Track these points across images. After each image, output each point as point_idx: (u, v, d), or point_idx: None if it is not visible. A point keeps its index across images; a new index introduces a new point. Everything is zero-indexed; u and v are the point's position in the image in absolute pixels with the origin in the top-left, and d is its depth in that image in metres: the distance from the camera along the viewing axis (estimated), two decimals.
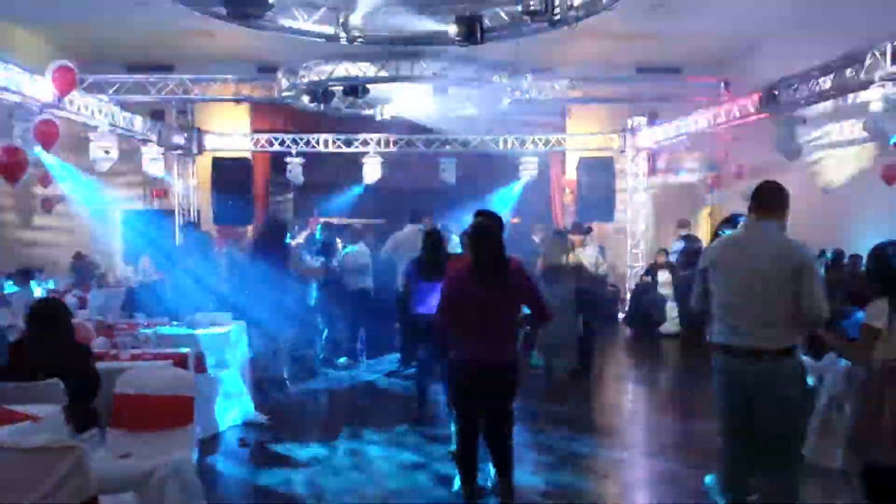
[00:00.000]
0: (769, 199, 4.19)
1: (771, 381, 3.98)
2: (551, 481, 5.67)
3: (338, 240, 10.95)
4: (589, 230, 10.18)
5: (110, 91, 12.03)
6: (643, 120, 14.42)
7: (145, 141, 12.70)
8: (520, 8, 8.16)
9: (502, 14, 8.85)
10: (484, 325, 4.60)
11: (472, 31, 8.29)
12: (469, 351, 4.65)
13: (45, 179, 11.49)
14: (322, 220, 14.61)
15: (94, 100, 10.78)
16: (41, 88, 8.90)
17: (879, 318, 3.96)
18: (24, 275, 10.08)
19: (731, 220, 5.46)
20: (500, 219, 4.89)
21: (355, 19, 8.53)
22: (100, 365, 5.16)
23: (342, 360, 10.07)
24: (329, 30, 9.27)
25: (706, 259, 4.29)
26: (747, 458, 4.21)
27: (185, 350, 6.13)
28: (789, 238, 4.15)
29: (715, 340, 4.20)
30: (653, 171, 14.85)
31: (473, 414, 4.76)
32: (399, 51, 9.83)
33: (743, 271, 4.07)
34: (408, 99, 12.30)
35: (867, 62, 7.95)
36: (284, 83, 11.19)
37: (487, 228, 4.64)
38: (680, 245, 12.27)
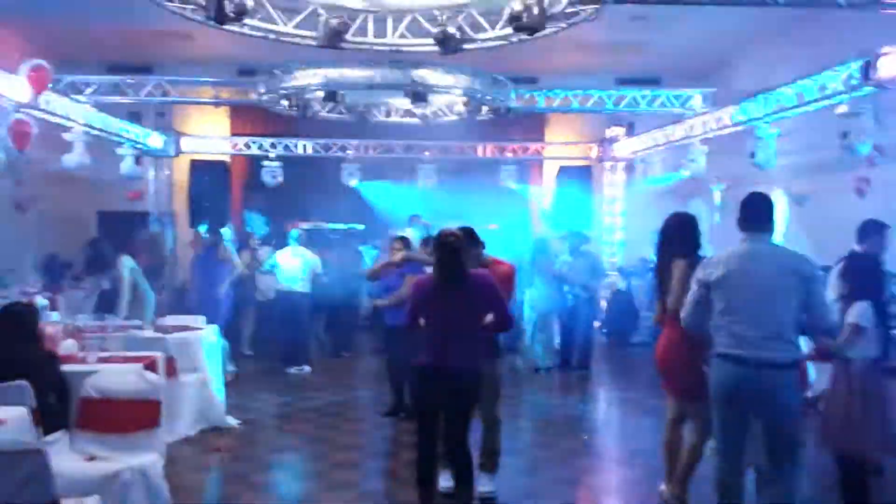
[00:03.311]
0: (759, 212, 4.24)
1: (777, 391, 4.04)
2: (518, 487, 5.70)
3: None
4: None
5: (87, 92, 11.90)
6: (622, 130, 14.54)
7: (122, 142, 12.59)
8: (501, 18, 8.19)
9: (483, 23, 8.84)
10: (445, 332, 4.66)
11: (452, 40, 8.28)
12: (429, 356, 4.69)
13: (19, 181, 11.32)
14: (301, 224, 14.63)
15: (70, 100, 10.68)
16: (16, 88, 8.81)
17: (864, 318, 4.38)
18: None
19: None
20: (470, 232, 5.14)
21: (337, 25, 8.49)
22: (68, 368, 5.12)
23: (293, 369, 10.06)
24: (310, 34, 9.22)
25: (708, 273, 4.25)
26: (741, 464, 4.26)
27: (155, 353, 6.07)
28: (791, 250, 4.23)
29: (720, 351, 4.19)
30: (631, 180, 14.95)
31: (431, 417, 4.77)
32: (379, 58, 9.81)
33: (752, 284, 4.08)
34: (389, 105, 12.30)
35: (840, 75, 8.06)
36: (263, 87, 11.13)
37: (448, 242, 4.69)
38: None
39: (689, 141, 11.73)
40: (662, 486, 5.22)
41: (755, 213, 4.23)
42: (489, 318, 4.72)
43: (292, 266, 10.25)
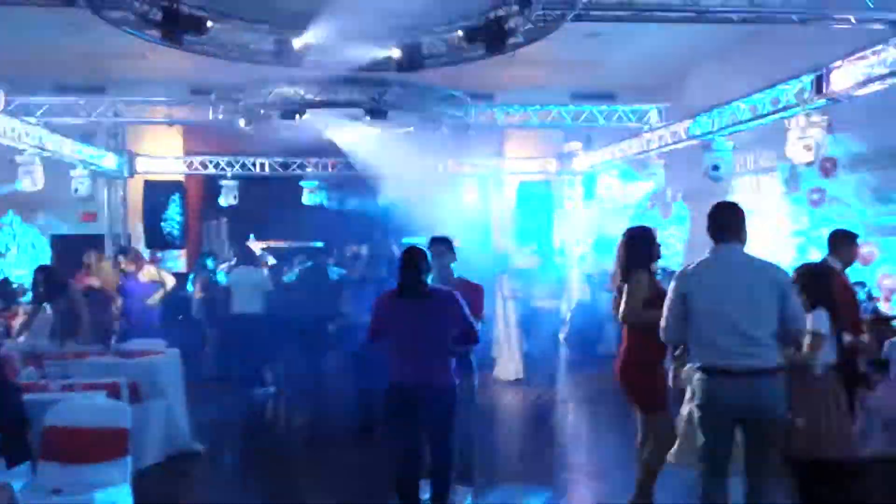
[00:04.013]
0: (730, 221, 4.25)
1: (766, 398, 4.05)
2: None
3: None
4: None
5: (38, 113, 11.66)
6: (579, 145, 14.70)
7: (75, 164, 12.35)
8: (458, 35, 8.26)
9: (441, 41, 8.90)
10: (411, 347, 4.67)
11: (411, 57, 8.33)
12: (398, 374, 4.69)
13: None
14: (259, 244, 14.48)
15: (20, 122, 10.44)
16: None
17: (824, 325, 4.47)
18: None
19: None
20: (449, 242, 5.35)
21: (296, 44, 8.46)
22: (29, 396, 4.98)
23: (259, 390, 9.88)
24: (267, 54, 9.17)
25: (683, 285, 4.22)
26: (727, 478, 4.24)
27: (118, 379, 5.93)
28: (763, 259, 4.26)
29: (703, 364, 4.14)
30: (590, 193, 15.09)
31: (408, 435, 4.75)
32: (338, 76, 9.80)
33: (732, 293, 4.07)
34: (345, 127, 12.25)
35: (793, 89, 8.26)
36: (218, 106, 11.03)
37: (408, 257, 4.74)
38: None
39: (645, 155, 11.89)
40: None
41: (724, 222, 4.25)
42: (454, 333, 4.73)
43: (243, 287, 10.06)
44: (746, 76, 9.78)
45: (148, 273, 9.85)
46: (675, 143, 11.03)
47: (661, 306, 4.35)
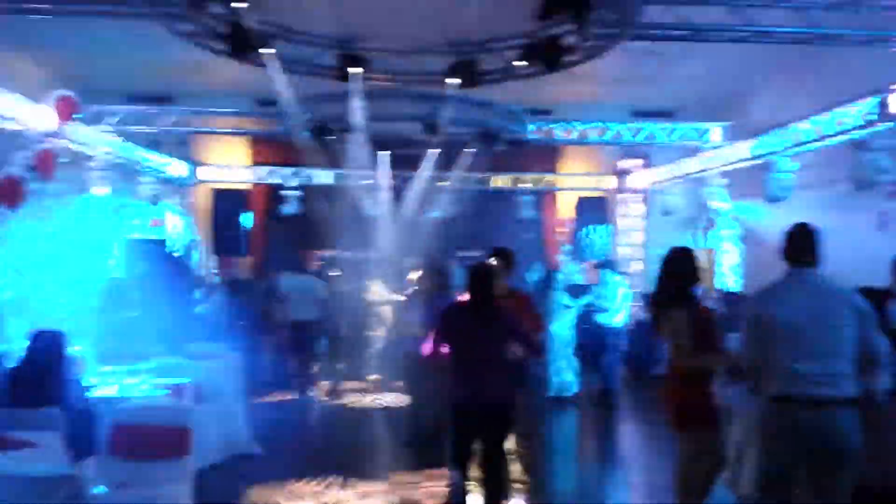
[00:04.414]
0: (805, 245, 4.12)
1: (842, 430, 3.88)
2: None
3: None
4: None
5: (110, 121, 12.12)
6: (638, 162, 14.63)
7: (143, 172, 12.77)
8: (514, 52, 8.36)
9: (497, 58, 9.03)
10: (476, 363, 4.76)
11: (467, 73, 8.45)
12: (462, 387, 4.78)
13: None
14: (321, 252, 14.74)
15: (93, 130, 10.86)
16: (42, 117, 8.98)
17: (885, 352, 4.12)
18: None
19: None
20: (510, 255, 5.55)
21: (356, 59, 8.68)
22: (97, 395, 5.20)
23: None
24: (328, 68, 9.41)
25: (759, 308, 4.12)
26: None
27: (182, 380, 6.14)
28: (840, 285, 4.11)
29: (775, 391, 3.98)
30: (648, 212, 15.01)
31: (465, 446, 4.84)
32: (396, 90, 9.98)
33: (809, 320, 3.93)
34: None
35: (856, 111, 8.14)
36: (283, 118, 11.30)
37: (481, 272, 4.86)
38: None
39: (705, 174, 11.79)
40: None
41: (803, 244, 4.12)
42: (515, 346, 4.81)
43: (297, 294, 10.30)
44: (808, 95, 9.67)
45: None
46: (736, 162, 10.93)
47: (709, 335, 4.31)
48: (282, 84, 9.35)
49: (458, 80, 9.04)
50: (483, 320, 4.78)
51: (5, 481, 3.33)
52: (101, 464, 4.68)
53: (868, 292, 4.35)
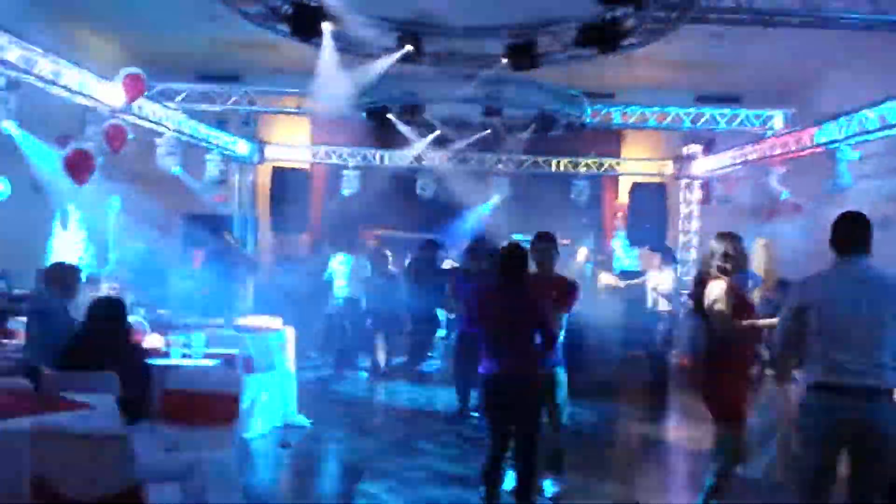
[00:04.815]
0: (855, 233, 4.07)
1: (880, 419, 3.86)
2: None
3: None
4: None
5: (177, 99, 12.46)
6: (699, 148, 14.40)
7: (209, 148, 13.10)
8: (573, 34, 8.31)
9: (555, 40, 8.98)
10: (505, 338, 4.86)
11: (525, 56, 8.44)
12: (494, 363, 4.87)
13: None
14: (377, 232, 14.96)
15: (161, 107, 11.18)
16: (112, 94, 9.29)
17: None
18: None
19: None
20: (552, 238, 5.60)
21: (416, 41, 8.74)
22: (152, 361, 5.43)
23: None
24: (388, 50, 9.50)
25: (804, 297, 4.08)
26: (826, 496, 4.05)
27: (234, 351, 6.35)
28: (888, 275, 4.05)
29: (817, 380, 3.97)
30: (707, 199, 14.77)
31: (501, 422, 4.94)
32: (455, 72, 10.00)
33: (855, 308, 3.90)
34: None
35: None
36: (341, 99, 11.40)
37: (514, 253, 4.98)
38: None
39: (767, 161, 11.56)
40: None
41: (851, 233, 4.06)
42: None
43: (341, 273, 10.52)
44: (877, 84, 9.38)
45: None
46: (799, 150, 10.68)
47: (747, 316, 4.30)
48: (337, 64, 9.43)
49: (515, 63, 9.01)
50: (511, 301, 4.87)
51: (60, 439, 3.52)
52: (152, 427, 4.90)
53: None
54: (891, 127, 8.57)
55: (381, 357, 10.59)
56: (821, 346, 3.96)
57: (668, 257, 11.19)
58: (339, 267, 10.69)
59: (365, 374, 10.33)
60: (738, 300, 4.74)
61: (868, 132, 9.04)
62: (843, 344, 3.90)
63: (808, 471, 4.05)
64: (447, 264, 11.52)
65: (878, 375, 3.85)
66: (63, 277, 5.94)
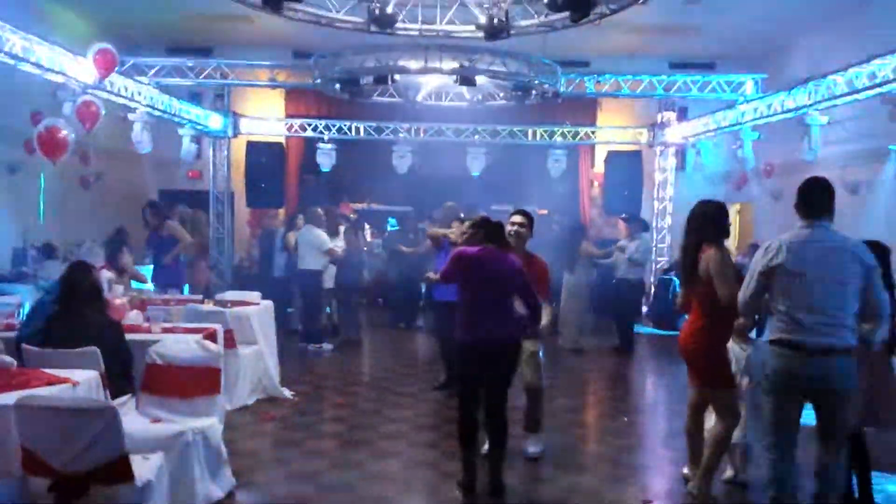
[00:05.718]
0: (820, 199, 4.23)
1: (837, 377, 4.09)
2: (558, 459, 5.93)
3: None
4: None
5: (150, 73, 12.35)
6: (673, 115, 14.53)
7: (183, 123, 13.01)
8: (544, 2, 8.30)
9: (527, 9, 8.98)
10: (481, 307, 5.04)
11: (498, 25, 8.43)
12: (468, 330, 5.06)
13: (86, 158, 11.77)
14: (352, 205, 14.98)
15: (133, 82, 11.07)
16: (83, 69, 9.17)
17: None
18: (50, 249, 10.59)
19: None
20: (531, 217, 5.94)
21: (388, 11, 8.70)
22: (133, 336, 5.47)
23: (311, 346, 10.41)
24: (360, 21, 9.47)
25: (769, 259, 4.21)
26: (795, 455, 4.30)
27: (214, 325, 6.40)
28: (851, 237, 4.22)
29: (779, 338, 4.19)
30: (681, 166, 14.93)
31: (471, 386, 5.16)
32: (428, 42, 9.99)
33: (817, 271, 4.09)
34: (437, 88, 12.43)
35: (891, 63, 8.01)
36: (317, 70, 11.37)
37: (492, 221, 5.25)
38: None
39: (738, 127, 11.70)
40: (685, 469, 5.41)
41: (815, 198, 4.23)
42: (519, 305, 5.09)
43: (303, 245, 10.51)
44: (847, 49, 9.50)
45: (171, 228, 10.12)
46: (769, 116, 10.80)
47: (738, 282, 4.45)
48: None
49: (488, 32, 9.01)
50: (487, 266, 5.04)
51: (47, 412, 3.57)
52: (136, 401, 4.96)
53: (875, 246, 4.44)
54: (857, 91, 8.69)
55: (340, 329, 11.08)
56: (784, 307, 4.18)
57: (640, 226, 11.36)
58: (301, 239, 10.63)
59: (324, 347, 10.40)
60: (733, 266, 4.90)
61: (835, 97, 9.16)
62: (805, 305, 4.12)
63: (774, 424, 4.29)
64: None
65: (838, 335, 4.08)
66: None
